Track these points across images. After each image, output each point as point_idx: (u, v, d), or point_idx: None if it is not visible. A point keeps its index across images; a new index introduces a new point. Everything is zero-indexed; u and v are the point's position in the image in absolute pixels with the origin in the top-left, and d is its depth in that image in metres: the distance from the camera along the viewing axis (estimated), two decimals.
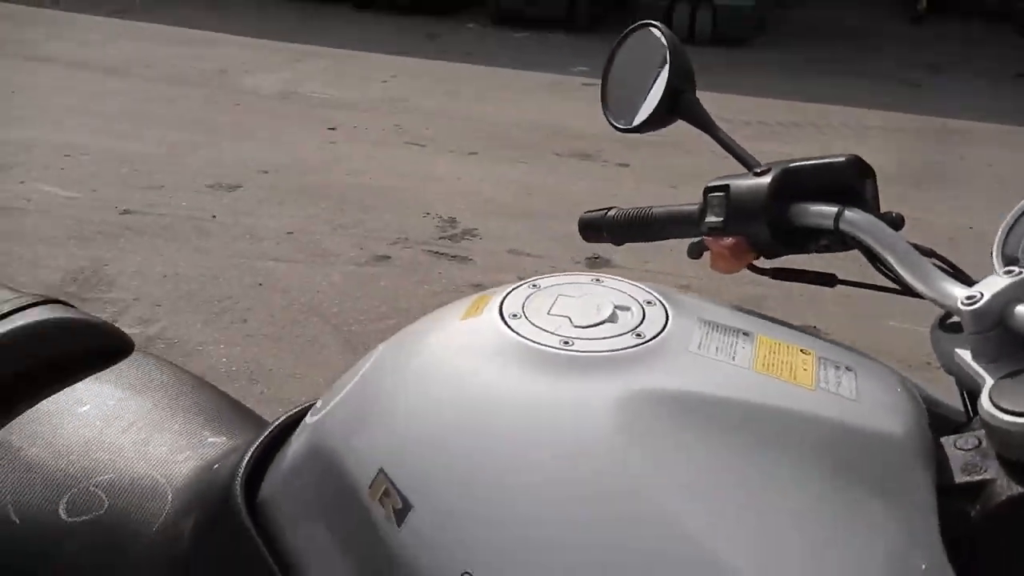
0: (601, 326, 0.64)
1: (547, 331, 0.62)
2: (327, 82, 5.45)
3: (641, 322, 0.64)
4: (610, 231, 0.97)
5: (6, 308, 0.92)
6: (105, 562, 0.73)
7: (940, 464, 0.59)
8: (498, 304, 0.66)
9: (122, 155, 3.98)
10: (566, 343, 0.61)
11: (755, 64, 6.53)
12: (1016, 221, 0.71)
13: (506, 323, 0.63)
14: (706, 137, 0.87)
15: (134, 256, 3.04)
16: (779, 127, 5.02)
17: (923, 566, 0.51)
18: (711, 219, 0.81)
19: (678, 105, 0.89)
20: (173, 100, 4.87)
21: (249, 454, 0.70)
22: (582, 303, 0.66)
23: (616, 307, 0.66)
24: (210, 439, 0.83)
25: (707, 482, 0.54)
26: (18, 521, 0.75)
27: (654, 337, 0.62)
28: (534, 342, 0.61)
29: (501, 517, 0.54)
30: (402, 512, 0.56)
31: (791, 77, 6.10)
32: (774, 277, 0.85)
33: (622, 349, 0.61)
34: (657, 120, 0.90)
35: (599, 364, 0.59)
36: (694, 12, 7.15)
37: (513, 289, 0.69)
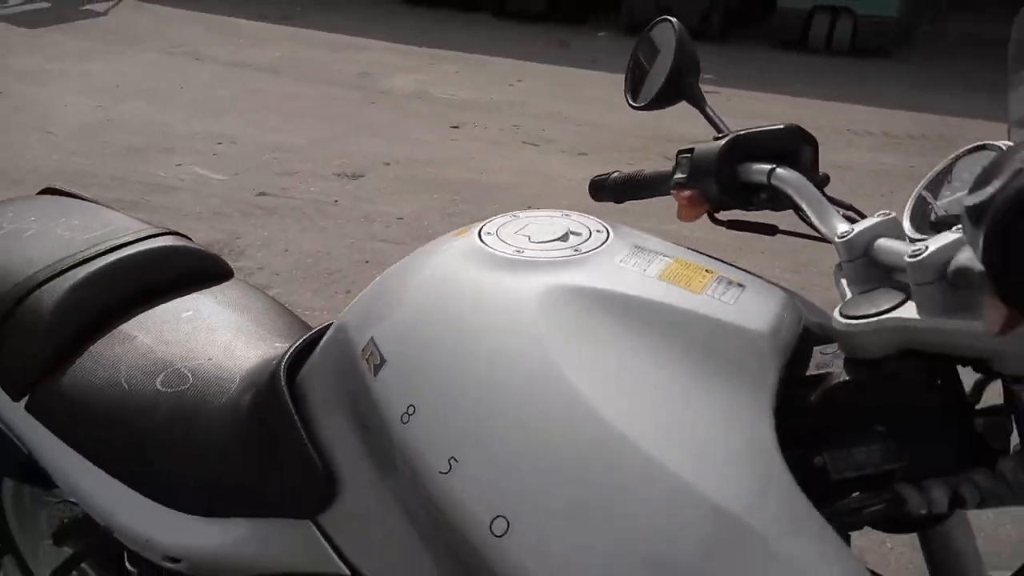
0: (552, 243, 0.78)
1: (508, 244, 0.78)
2: (457, 84, 5.72)
3: (584, 242, 0.78)
4: (612, 190, 1.11)
5: (141, 235, 1.15)
6: (186, 422, 0.92)
7: (804, 364, 0.69)
8: (480, 227, 0.82)
9: (266, 145, 4.38)
10: (519, 252, 0.76)
11: (889, 76, 6.27)
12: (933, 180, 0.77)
13: (481, 239, 0.79)
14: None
15: (263, 232, 3.37)
16: (905, 139, 4.83)
17: (752, 429, 0.61)
18: (677, 176, 0.94)
19: (680, 88, 1.02)
20: (317, 98, 5.28)
21: (293, 347, 0.87)
22: (544, 228, 0.80)
23: (570, 231, 0.80)
24: (278, 344, 1.01)
25: (605, 358, 0.67)
26: (127, 387, 0.96)
27: (589, 252, 0.76)
28: (495, 250, 0.77)
29: (447, 365, 0.69)
30: (379, 366, 0.72)
31: (929, 91, 5.82)
32: (728, 227, 0.97)
33: (560, 258, 0.75)
34: (663, 99, 1.04)
35: (539, 267, 0.74)
36: (834, 21, 6.95)
37: (498, 218, 0.84)
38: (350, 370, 0.75)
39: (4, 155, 4.05)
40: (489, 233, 0.80)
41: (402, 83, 5.69)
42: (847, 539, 0.66)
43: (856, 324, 0.62)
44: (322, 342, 0.85)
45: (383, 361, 0.71)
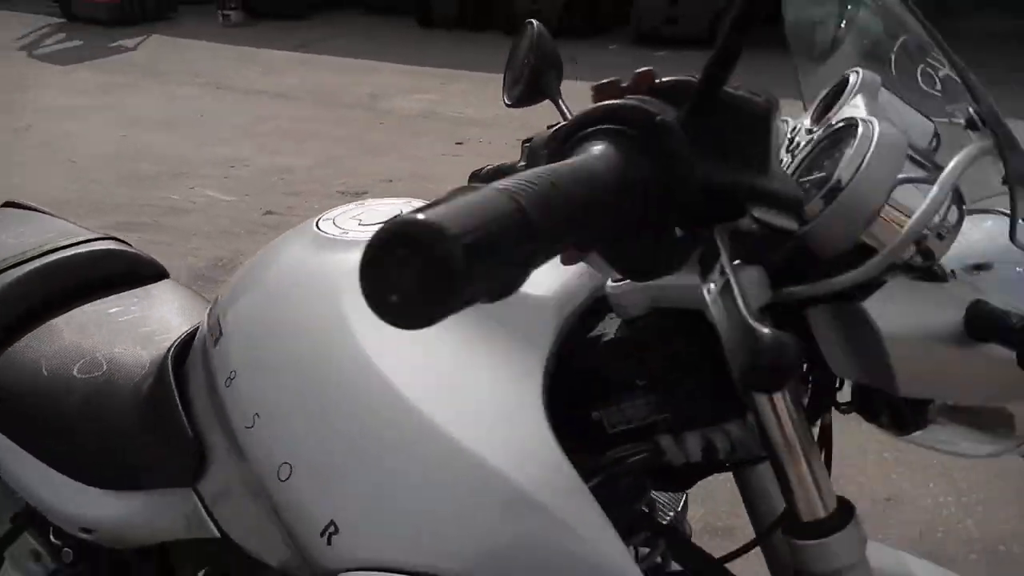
0: (377, 224, 0.86)
1: (338, 227, 0.85)
2: (466, 103, 5.84)
3: None
4: (486, 181, 1.19)
5: (80, 239, 1.25)
6: (98, 406, 1.02)
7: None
8: (322, 215, 0.90)
9: (275, 167, 4.53)
10: (344, 233, 0.82)
11: None
12: None
13: (317, 225, 0.86)
14: None
15: None
16: None
17: (520, 390, 0.68)
18: (520, 165, 1.02)
19: (540, 85, 1.09)
20: (328, 121, 5.44)
21: (184, 333, 0.96)
22: (379, 213, 0.88)
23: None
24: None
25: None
26: (47, 375, 1.07)
27: None
28: (323, 232, 0.84)
29: (265, 329, 0.79)
30: (217, 338, 0.82)
31: None
32: None
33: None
34: (526, 98, 1.11)
35: (353, 246, 0.81)
36: None
37: (341, 207, 0.92)
38: (205, 349, 0.84)
39: (27, 185, 4.26)
40: (327, 219, 0.87)
41: (411, 103, 5.83)
42: (634, 497, 0.71)
43: (615, 286, 0.68)
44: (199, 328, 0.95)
45: (221, 333, 0.81)
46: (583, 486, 0.64)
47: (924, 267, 0.60)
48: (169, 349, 0.94)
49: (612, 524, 0.63)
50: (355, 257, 0.79)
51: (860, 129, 0.59)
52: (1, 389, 1.06)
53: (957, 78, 0.62)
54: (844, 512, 0.64)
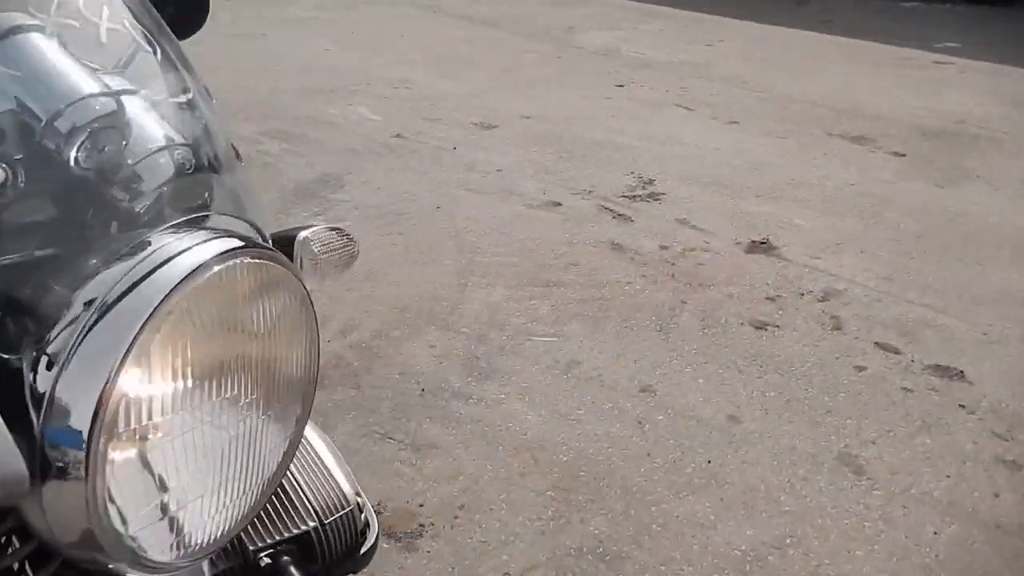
0: None
1: None
2: (652, 43, 5.47)
3: None
4: None
5: None
6: None
7: None
8: None
9: (433, 92, 4.62)
10: None
11: None
12: None
13: None
14: None
15: (373, 171, 3.62)
16: None
17: None
18: None
19: None
20: (511, 51, 5.39)
21: None
22: None
23: None
24: None
25: None
26: None
27: None
28: None
29: None
30: None
31: None
32: None
33: None
34: None
35: None
36: None
37: None
38: None
39: (223, 83, 4.76)
40: None
41: (598, 39, 5.58)
42: None
43: None
44: None
45: None
46: None
47: None
48: None
49: None
50: None
51: None
52: None
53: None
54: None
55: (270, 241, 0.62)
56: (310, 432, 1.24)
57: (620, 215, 3.16)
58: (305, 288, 0.59)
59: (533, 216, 3.17)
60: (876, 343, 2.36)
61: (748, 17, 5.93)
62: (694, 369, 2.26)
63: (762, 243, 2.93)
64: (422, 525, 1.79)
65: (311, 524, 1.07)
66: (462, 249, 2.94)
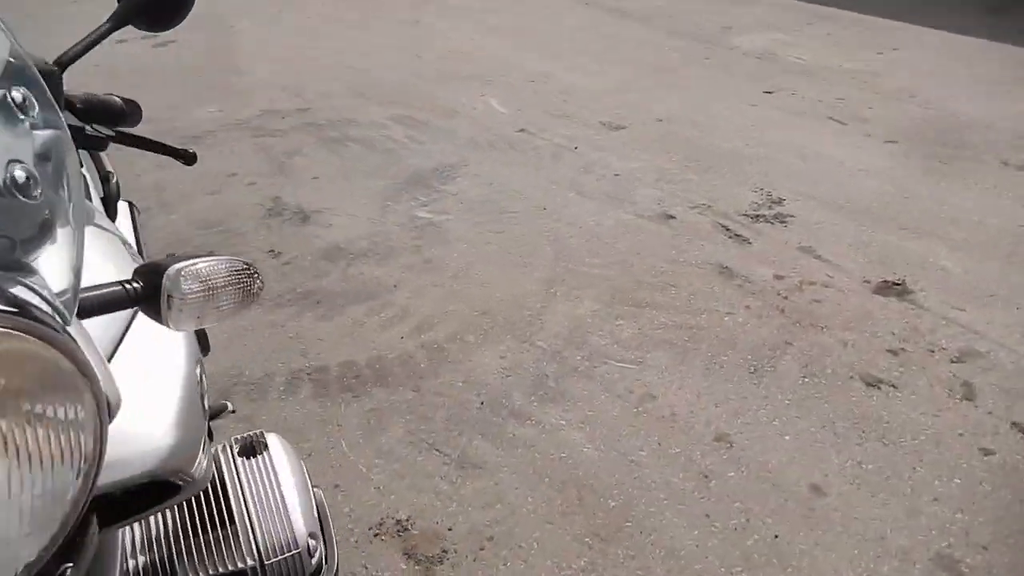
0: None
1: None
2: (815, 48, 5.00)
3: None
4: None
5: None
6: None
7: None
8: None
9: (569, 87, 4.45)
10: None
11: None
12: None
13: None
14: None
15: (488, 165, 3.52)
16: None
17: None
18: None
19: None
20: (658, 48, 5.11)
21: None
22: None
23: None
24: None
25: None
26: None
27: None
28: None
29: None
30: None
31: None
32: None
33: None
34: None
35: None
36: None
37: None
38: None
39: (370, 68, 4.83)
40: None
41: (756, 41, 5.17)
42: None
43: None
44: None
45: None
46: None
47: None
48: None
49: None
50: None
51: None
52: None
53: None
54: None
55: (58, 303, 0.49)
56: (280, 459, 1.14)
57: (736, 235, 2.87)
58: (80, 361, 0.47)
59: (641, 227, 2.94)
60: (1014, 423, 1.97)
61: (931, 24, 5.29)
62: (783, 423, 1.98)
63: (896, 284, 2.55)
64: (445, 551, 1.67)
65: (249, 562, 0.98)
66: (559, 255, 2.77)
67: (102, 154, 1.65)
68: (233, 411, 1.58)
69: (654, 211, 3.06)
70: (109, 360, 0.74)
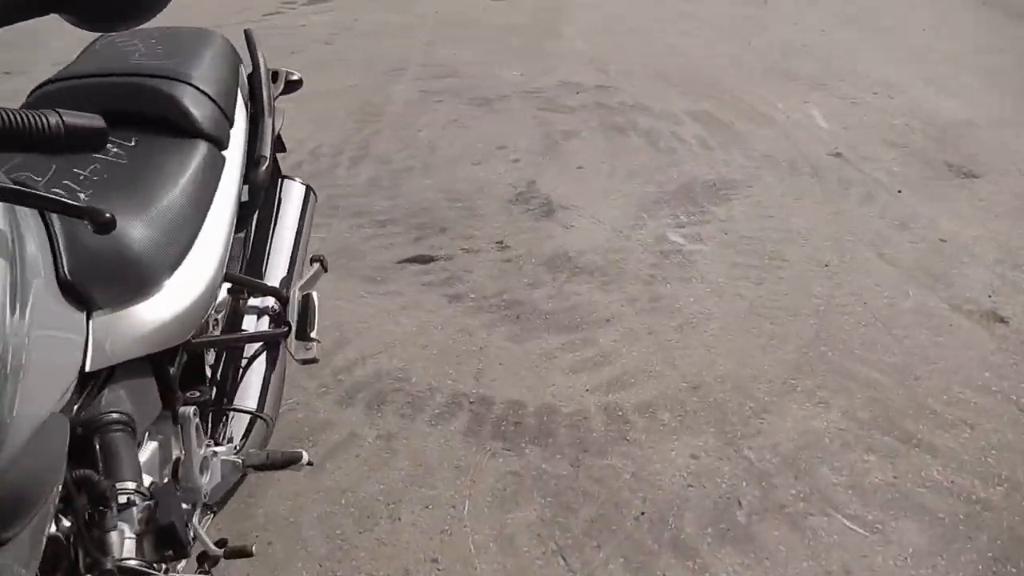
0: None
1: None
2: None
3: None
4: None
5: (167, 76, 1.20)
6: None
7: None
8: None
9: (922, 108, 3.51)
10: None
11: None
12: None
13: None
14: None
15: (777, 191, 2.86)
16: None
17: None
18: None
19: None
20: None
21: None
22: None
23: None
24: None
25: None
26: None
27: None
28: None
29: None
30: None
31: None
32: None
33: None
34: None
35: None
36: None
37: None
38: None
39: (691, 48, 4.29)
40: None
41: None
42: None
43: None
44: None
45: None
46: None
47: None
48: None
49: None
50: None
51: None
52: None
53: None
54: None
55: None
56: None
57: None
58: None
59: (952, 325, 2.15)
60: None
61: None
62: None
63: None
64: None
65: None
66: (820, 334, 2.12)
67: (269, 130, 1.44)
68: (310, 463, 1.33)
69: (978, 305, 2.23)
70: None
